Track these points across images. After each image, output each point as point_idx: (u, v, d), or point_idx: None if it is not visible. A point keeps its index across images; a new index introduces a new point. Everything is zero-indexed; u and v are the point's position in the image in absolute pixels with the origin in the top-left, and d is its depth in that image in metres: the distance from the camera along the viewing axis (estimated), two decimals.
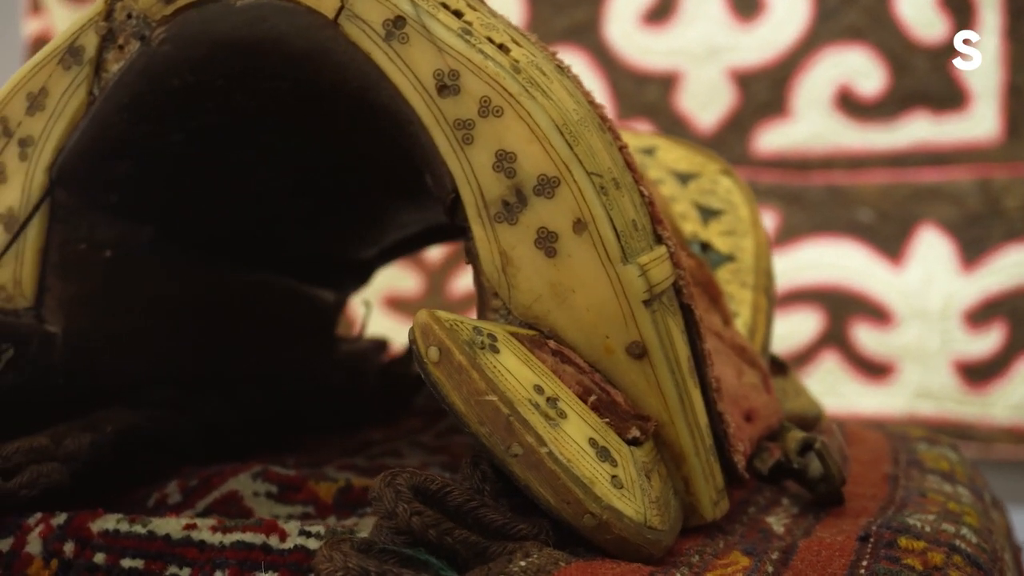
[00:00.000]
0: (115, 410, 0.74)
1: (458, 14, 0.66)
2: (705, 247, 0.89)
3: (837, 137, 1.61)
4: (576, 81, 0.68)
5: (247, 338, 0.85)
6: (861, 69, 1.60)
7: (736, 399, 0.74)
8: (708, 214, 0.91)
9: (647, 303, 0.63)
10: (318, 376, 0.92)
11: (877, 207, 1.61)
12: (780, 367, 0.90)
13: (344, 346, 0.98)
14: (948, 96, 1.58)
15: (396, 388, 1.00)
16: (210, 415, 0.81)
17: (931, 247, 1.58)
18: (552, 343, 0.63)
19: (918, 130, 1.58)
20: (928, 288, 1.58)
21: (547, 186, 0.63)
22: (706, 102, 1.66)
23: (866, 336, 1.59)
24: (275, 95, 0.71)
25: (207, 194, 0.78)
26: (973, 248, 1.56)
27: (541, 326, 0.64)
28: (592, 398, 0.61)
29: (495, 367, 0.58)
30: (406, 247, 0.96)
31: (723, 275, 0.87)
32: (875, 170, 1.60)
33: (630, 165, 0.67)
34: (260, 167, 0.79)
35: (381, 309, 1.73)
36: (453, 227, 0.66)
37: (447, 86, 0.64)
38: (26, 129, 0.72)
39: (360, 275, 0.94)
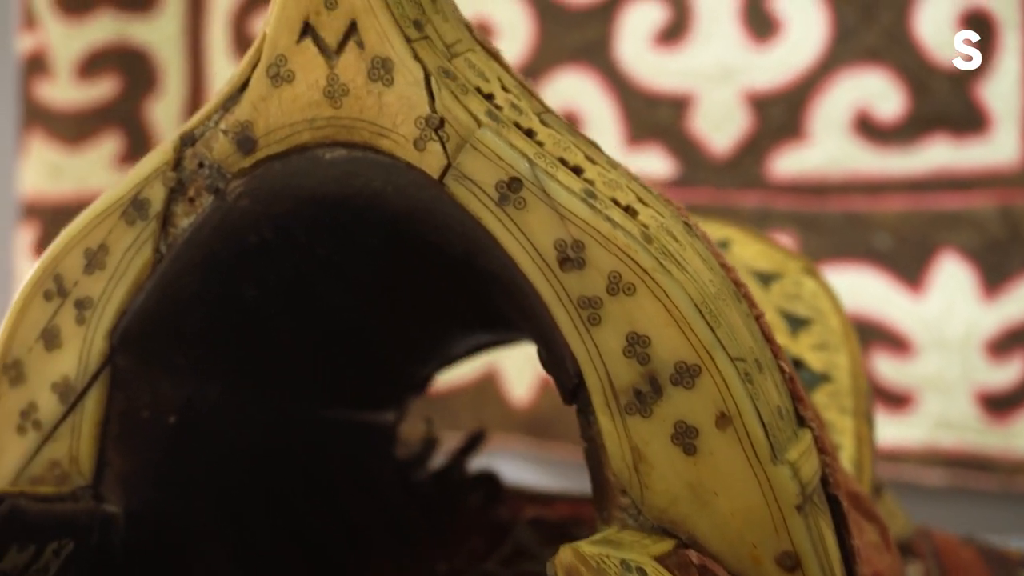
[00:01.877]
0: None
1: (578, 171, 0.57)
2: (797, 364, 0.80)
3: (855, 161, 1.53)
4: (706, 240, 0.59)
5: (313, 476, 0.76)
6: (879, 92, 1.51)
7: None
8: (796, 323, 0.82)
9: (799, 507, 0.54)
10: (376, 494, 0.83)
11: (896, 233, 1.53)
12: (876, 489, 0.81)
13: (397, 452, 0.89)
14: (968, 120, 1.49)
15: (452, 494, 0.91)
16: (276, 558, 0.72)
17: (952, 274, 1.50)
18: (694, 555, 0.54)
19: (938, 155, 1.50)
20: (949, 316, 1.50)
21: (686, 375, 0.54)
22: (720, 124, 1.57)
23: (885, 365, 1.51)
24: (364, 249, 0.62)
25: (279, 339, 0.68)
26: (995, 275, 1.48)
27: (678, 531, 0.55)
28: None
29: None
30: (470, 355, 0.87)
31: (819, 398, 0.78)
32: (894, 195, 1.52)
33: (768, 337, 0.58)
34: (337, 309, 0.69)
35: None
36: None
37: (570, 259, 0.55)
38: (84, 290, 0.62)
39: (421, 388, 0.85)
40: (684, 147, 1.59)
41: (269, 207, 0.59)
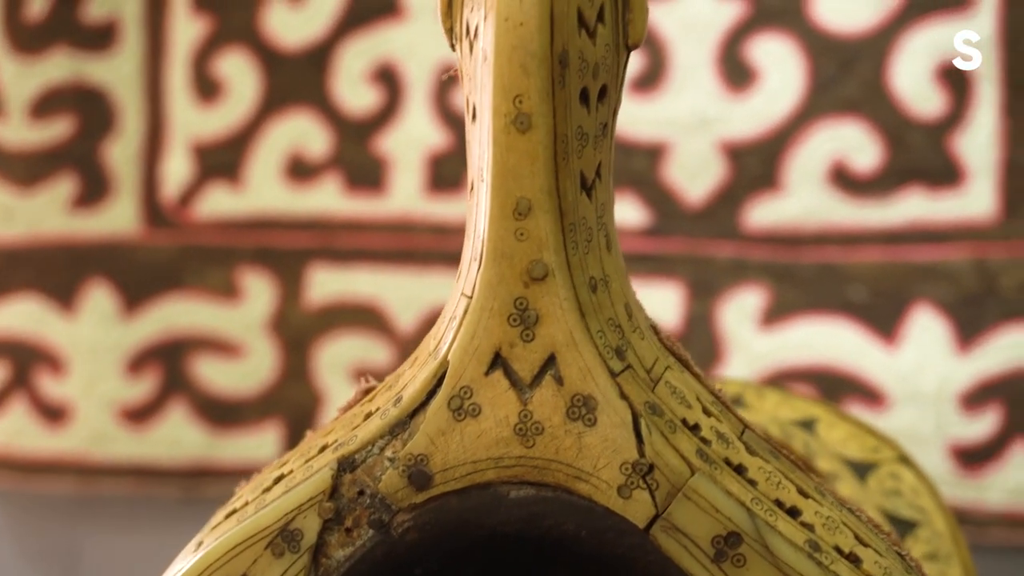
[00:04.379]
0: None
1: (794, 513, 0.49)
2: None
3: (830, 213, 1.46)
4: (920, 572, 0.52)
5: None
6: (856, 144, 1.45)
7: None
8: (902, 527, 0.75)
9: None
10: None
11: (871, 285, 1.47)
12: None
13: None
14: (944, 172, 1.43)
15: None
16: None
17: (926, 327, 1.45)
18: None
19: (913, 207, 1.44)
20: (923, 369, 1.45)
21: None
22: (695, 174, 1.49)
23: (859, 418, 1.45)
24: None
25: None
26: (969, 328, 1.43)
27: None
28: None
29: None
30: None
31: None
32: (869, 247, 1.46)
33: None
34: None
35: (350, 381, 1.54)
36: None
37: None
38: None
39: None
40: (658, 196, 1.51)
41: (440, 542, 0.51)
